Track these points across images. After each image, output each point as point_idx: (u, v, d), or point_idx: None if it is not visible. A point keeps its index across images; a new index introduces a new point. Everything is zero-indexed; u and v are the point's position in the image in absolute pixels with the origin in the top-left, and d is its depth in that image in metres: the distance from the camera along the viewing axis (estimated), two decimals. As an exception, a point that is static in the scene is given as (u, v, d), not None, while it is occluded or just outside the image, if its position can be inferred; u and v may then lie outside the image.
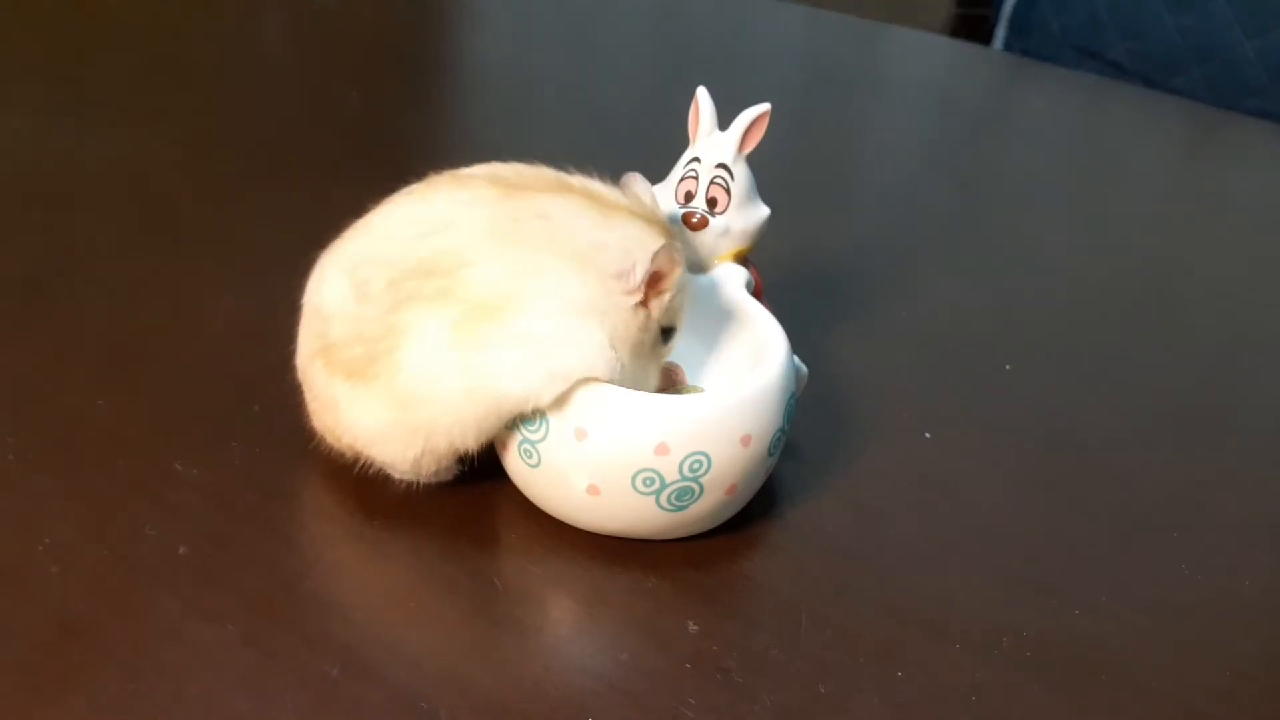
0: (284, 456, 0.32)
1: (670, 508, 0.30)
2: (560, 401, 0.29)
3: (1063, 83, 0.76)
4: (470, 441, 0.29)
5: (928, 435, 0.37)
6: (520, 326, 0.28)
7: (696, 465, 0.29)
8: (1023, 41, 1.04)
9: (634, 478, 0.29)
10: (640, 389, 0.29)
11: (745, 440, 0.29)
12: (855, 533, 0.33)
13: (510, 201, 0.29)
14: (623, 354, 0.29)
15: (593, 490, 0.29)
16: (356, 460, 0.31)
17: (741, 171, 0.34)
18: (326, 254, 0.30)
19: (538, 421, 0.29)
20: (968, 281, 0.47)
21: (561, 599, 0.30)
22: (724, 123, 0.34)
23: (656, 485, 0.29)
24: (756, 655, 0.28)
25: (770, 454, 0.31)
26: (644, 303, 0.29)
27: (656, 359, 0.31)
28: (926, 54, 0.78)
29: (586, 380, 0.29)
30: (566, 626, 0.29)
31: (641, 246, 0.29)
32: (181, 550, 0.29)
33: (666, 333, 0.31)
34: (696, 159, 0.34)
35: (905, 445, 0.36)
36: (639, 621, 0.29)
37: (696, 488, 0.29)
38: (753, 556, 0.31)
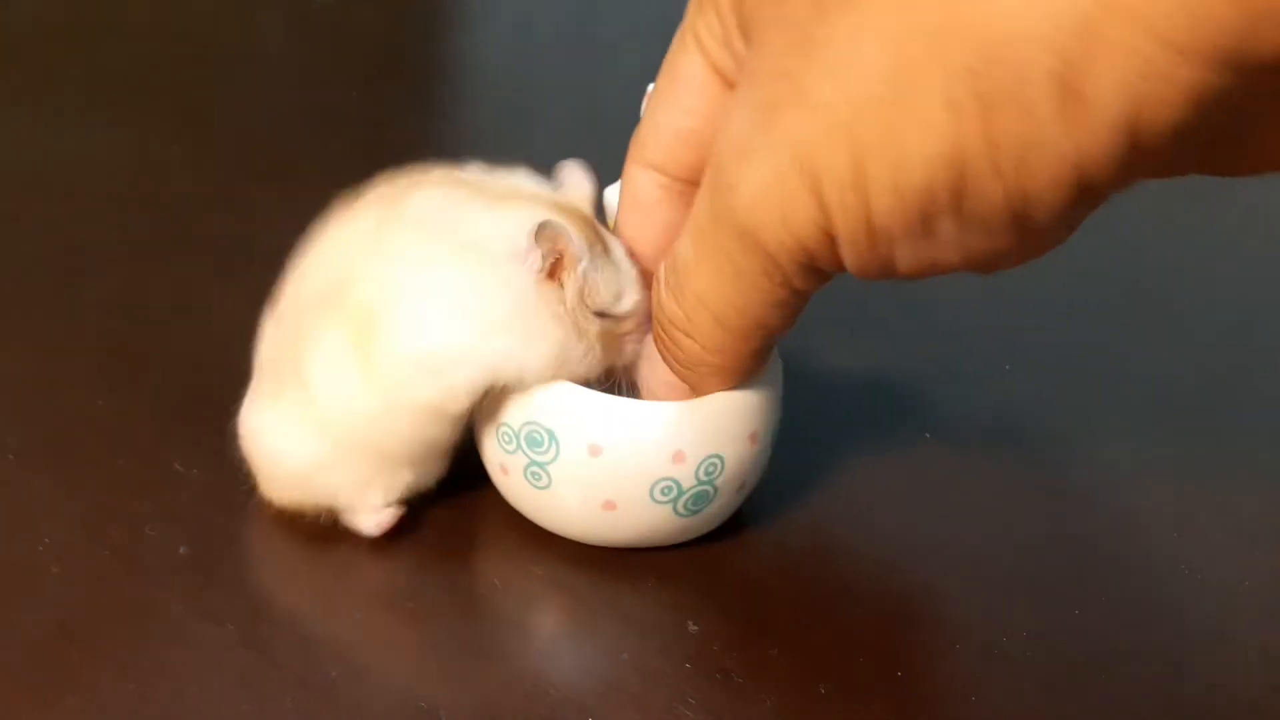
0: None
1: (686, 513, 0.29)
2: (568, 419, 0.28)
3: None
4: (419, 452, 0.29)
5: (928, 435, 0.37)
6: (419, 340, 0.27)
7: (711, 468, 0.29)
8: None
9: (652, 489, 0.28)
10: (575, 364, 0.28)
11: (753, 438, 0.29)
12: (855, 532, 0.33)
13: (389, 211, 0.28)
14: (536, 338, 0.28)
15: (609, 506, 0.29)
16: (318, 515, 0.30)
17: None
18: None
19: (546, 442, 0.28)
20: (968, 281, 0.47)
21: (562, 599, 0.30)
22: None
23: (674, 493, 0.29)
24: (757, 655, 0.28)
25: (770, 449, 0.31)
26: (555, 281, 0.28)
27: (595, 338, 0.29)
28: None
29: (522, 378, 0.28)
30: (567, 626, 0.29)
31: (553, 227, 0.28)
32: (181, 550, 0.29)
33: (602, 315, 0.29)
34: None
35: (905, 445, 0.36)
36: (639, 621, 0.29)
37: (711, 490, 0.29)
38: (753, 556, 0.31)
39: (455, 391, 0.28)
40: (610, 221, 0.32)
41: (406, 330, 0.27)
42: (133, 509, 0.30)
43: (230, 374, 0.36)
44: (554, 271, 0.28)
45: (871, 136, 0.20)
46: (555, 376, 0.28)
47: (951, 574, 0.31)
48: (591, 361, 0.29)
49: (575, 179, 0.31)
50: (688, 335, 0.27)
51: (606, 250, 0.29)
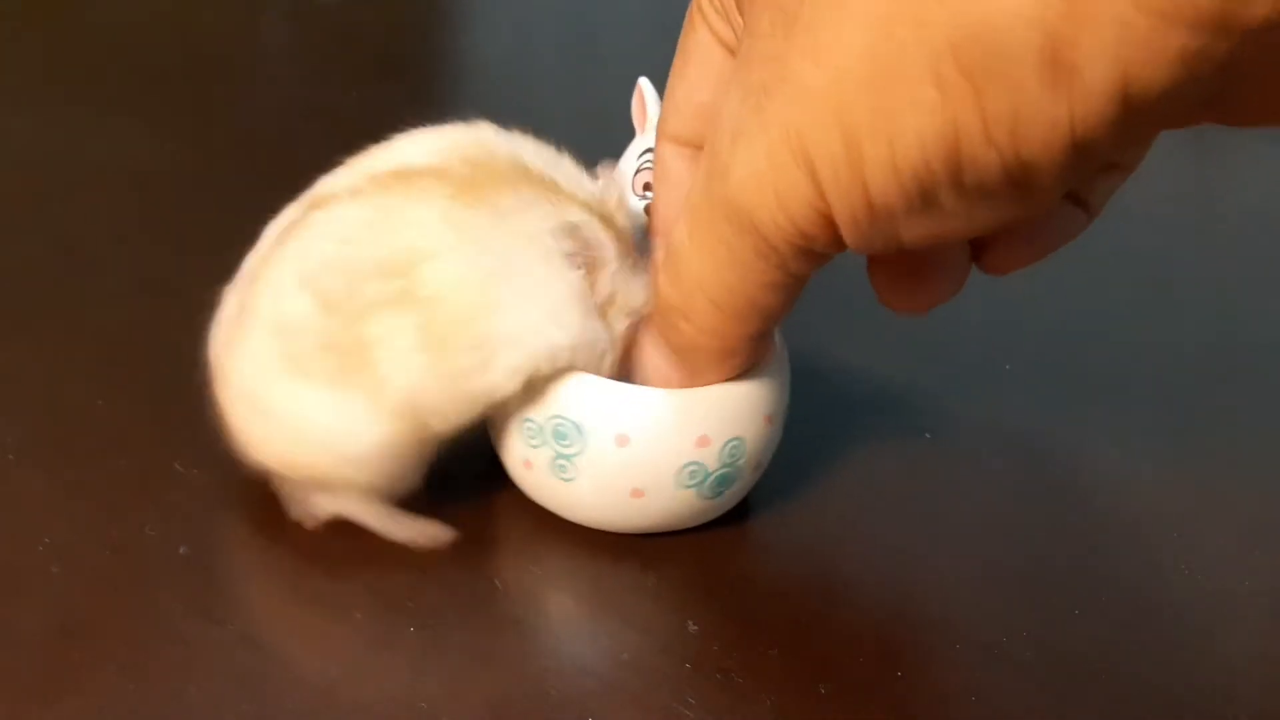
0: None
1: (711, 495, 0.30)
2: (595, 411, 0.29)
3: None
4: (449, 428, 0.29)
5: (928, 435, 0.37)
6: (482, 324, 0.28)
7: (735, 450, 0.29)
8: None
9: (679, 474, 0.29)
10: (601, 367, 0.29)
11: (769, 419, 0.30)
12: (855, 532, 0.33)
13: (463, 197, 0.28)
14: (577, 334, 0.29)
15: (637, 494, 0.29)
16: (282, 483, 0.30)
17: None
18: (269, 263, 0.29)
19: (573, 435, 0.29)
20: (968, 281, 0.47)
21: (561, 599, 0.30)
22: None
23: (700, 477, 0.29)
24: (757, 655, 0.28)
25: (782, 429, 0.31)
26: (590, 277, 0.29)
27: (612, 335, 0.30)
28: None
29: (558, 368, 0.29)
30: (566, 627, 0.29)
31: (590, 228, 0.29)
32: (181, 550, 0.29)
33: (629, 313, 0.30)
34: (650, 150, 0.34)
35: (905, 445, 0.36)
36: (639, 621, 0.29)
37: (734, 472, 0.30)
38: (753, 556, 0.31)
39: (509, 386, 0.28)
40: (622, 192, 0.32)
41: (480, 324, 0.28)
42: (133, 509, 0.30)
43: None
44: (590, 270, 0.29)
45: (862, 116, 0.20)
46: (584, 368, 0.29)
47: (951, 574, 0.31)
48: (613, 359, 0.30)
49: (610, 183, 0.31)
50: (685, 319, 0.27)
51: (635, 258, 0.30)
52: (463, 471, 0.32)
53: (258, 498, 0.31)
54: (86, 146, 0.51)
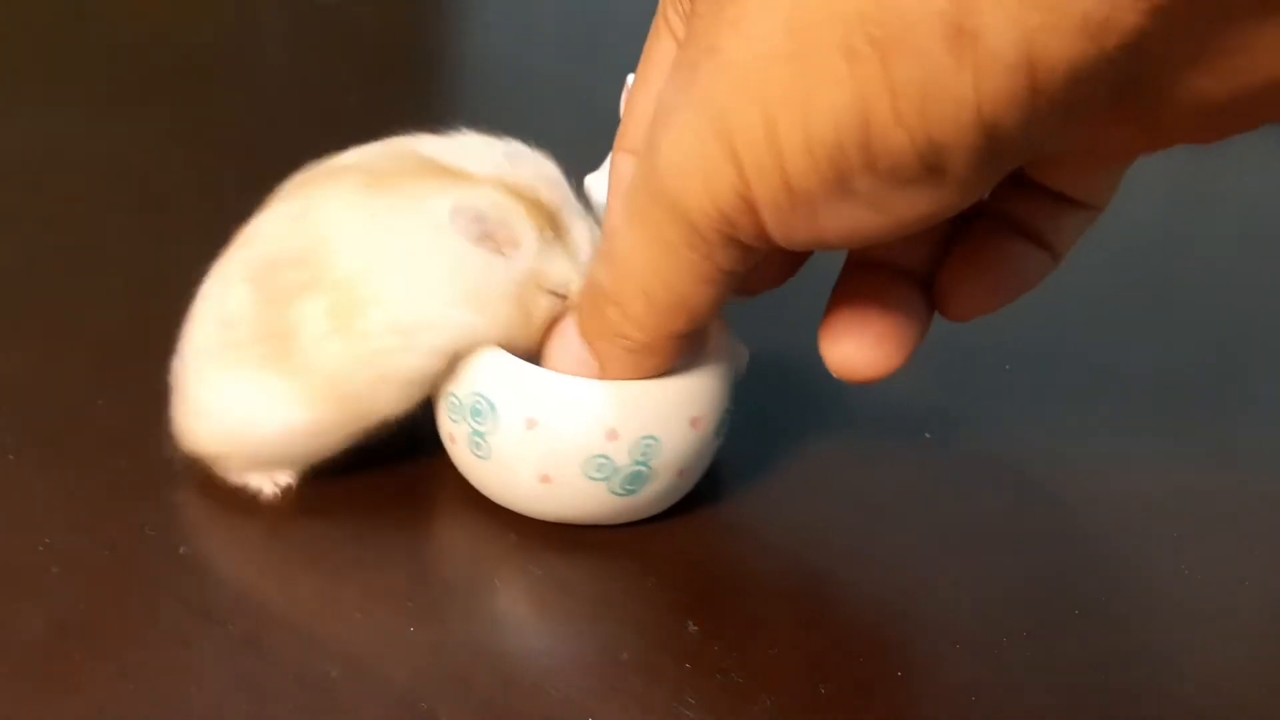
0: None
1: (623, 492, 0.30)
2: (508, 392, 0.29)
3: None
4: (389, 413, 0.30)
5: (928, 435, 0.37)
6: (395, 308, 0.28)
7: (647, 449, 0.29)
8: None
9: (585, 465, 0.29)
10: (519, 345, 0.30)
11: (694, 422, 0.29)
12: (855, 532, 0.33)
13: (373, 187, 0.29)
14: (490, 315, 0.29)
15: (545, 479, 0.29)
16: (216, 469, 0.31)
17: None
18: (218, 266, 0.31)
19: (488, 413, 0.29)
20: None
21: (561, 599, 0.30)
22: None
23: (608, 471, 0.29)
24: (756, 655, 0.28)
25: (716, 435, 0.31)
26: (506, 256, 0.29)
27: (533, 313, 0.30)
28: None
29: (474, 345, 0.29)
30: (566, 627, 0.29)
31: (500, 208, 0.29)
32: (181, 550, 0.29)
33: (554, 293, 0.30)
34: None
35: (905, 445, 0.36)
36: (639, 621, 0.29)
37: (647, 471, 0.29)
38: (752, 556, 0.31)
39: (428, 368, 0.29)
40: (597, 209, 0.32)
41: (383, 301, 0.28)
42: (133, 509, 0.30)
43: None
44: (506, 249, 0.29)
45: (779, 91, 0.19)
46: (508, 348, 0.29)
47: (951, 574, 0.31)
48: (532, 336, 0.30)
49: (531, 161, 0.31)
50: (613, 306, 0.26)
51: (560, 234, 0.30)
52: (460, 473, 0.32)
53: (257, 498, 0.31)
54: (86, 146, 0.51)
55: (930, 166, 0.19)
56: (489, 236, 0.29)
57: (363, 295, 0.28)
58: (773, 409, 0.36)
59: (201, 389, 0.30)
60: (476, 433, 0.29)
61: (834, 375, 0.27)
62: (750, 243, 0.23)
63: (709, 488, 0.33)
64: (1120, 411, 0.40)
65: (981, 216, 0.26)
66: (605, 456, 0.29)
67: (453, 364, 0.29)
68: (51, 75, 0.59)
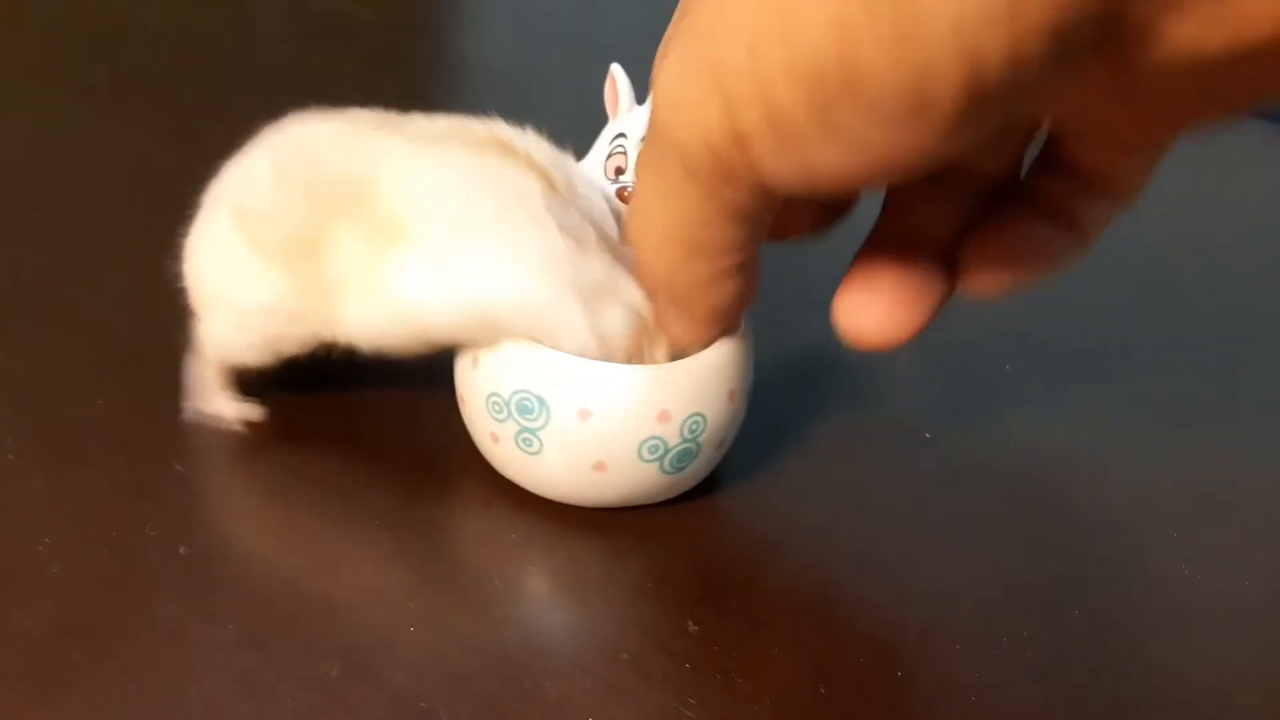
0: (284, 456, 0.32)
1: (672, 470, 0.30)
2: (559, 386, 0.29)
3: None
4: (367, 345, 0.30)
5: (928, 435, 0.37)
6: (433, 250, 0.28)
7: (695, 426, 0.30)
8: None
9: (640, 448, 0.29)
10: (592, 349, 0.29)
11: (731, 396, 0.30)
12: (855, 532, 0.33)
13: (428, 143, 0.29)
14: (559, 294, 0.29)
15: (599, 467, 0.30)
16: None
17: None
18: (240, 157, 0.32)
19: (537, 409, 0.29)
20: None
21: (562, 599, 0.30)
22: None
23: (661, 451, 0.30)
24: (757, 655, 0.28)
25: (745, 407, 0.32)
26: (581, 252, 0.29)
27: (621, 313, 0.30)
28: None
29: (518, 326, 0.29)
30: (567, 627, 0.29)
31: (605, 217, 0.29)
32: (181, 550, 0.29)
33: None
34: (622, 135, 0.35)
35: (905, 445, 0.36)
36: (639, 621, 0.29)
37: (695, 448, 0.30)
38: (753, 556, 0.31)
39: (464, 327, 0.29)
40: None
41: (431, 249, 0.28)
42: (133, 509, 0.30)
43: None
44: (581, 247, 0.29)
45: (762, 15, 0.19)
46: (549, 340, 0.29)
47: (951, 574, 0.31)
48: (611, 352, 0.30)
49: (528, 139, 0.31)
50: (643, 262, 0.26)
51: (569, 198, 0.29)
52: (461, 473, 0.32)
53: (258, 498, 0.31)
54: (85, 146, 0.51)
55: (913, 102, 0.19)
56: (575, 232, 0.28)
57: (404, 232, 0.28)
58: (773, 410, 0.36)
59: (222, 280, 0.31)
60: (526, 430, 0.30)
61: (845, 341, 0.27)
62: (746, 183, 0.22)
63: (709, 488, 0.33)
64: (1120, 412, 0.40)
65: (1011, 196, 0.26)
66: (658, 438, 0.29)
67: (490, 366, 0.29)
68: (51, 74, 0.59)
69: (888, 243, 0.27)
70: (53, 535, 0.29)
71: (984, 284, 0.26)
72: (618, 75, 0.35)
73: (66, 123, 0.53)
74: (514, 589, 0.30)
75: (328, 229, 0.29)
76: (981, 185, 0.23)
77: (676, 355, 0.29)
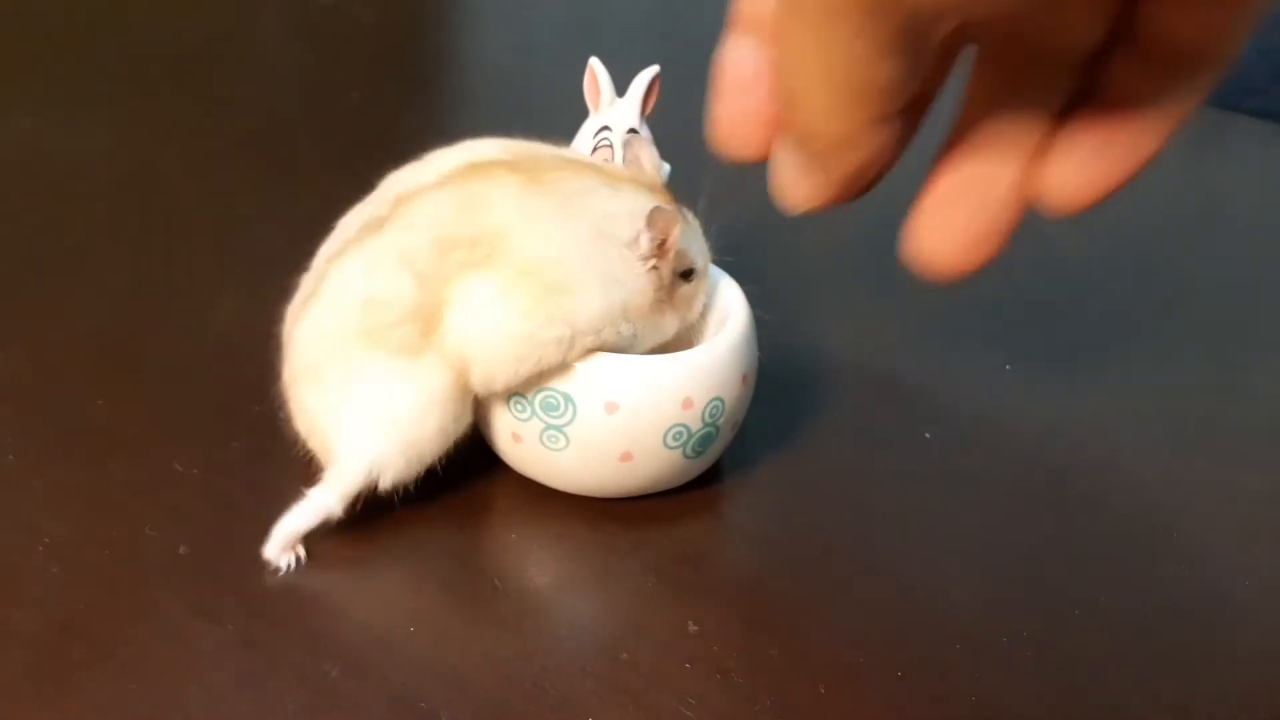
0: (284, 456, 0.32)
1: (694, 455, 0.31)
2: (584, 382, 0.30)
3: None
4: (492, 386, 0.30)
5: (928, 435, 0.37)
6: (567, 301, 0.29)
7: (715, 410, 0.31)
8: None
9: (665, 436, 0.30)
10: (654, 340, 0.31)
11: (744, 379, 0.31)
12: (855, 532, 0.33)
13: (535, 183, 0.30)
14: (636, 320, 0.31)
15: (625, 458, 0.30)
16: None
17: (646, 134, 0.36)
18: (357, 250, 0.30)
19: (563, 406, 0.30)
20: (967, 281, 0.47)
21: (562, 599, 0.30)
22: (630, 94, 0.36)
23: (684, 438, 0.30)
24: (757, 655, 0.28)
25: (753, 390, 0.33)
26: (655, 265, 0.31)
27: (675, 308, 0.32)
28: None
29: (597, 351, 0.30)
30: (566, 627, 0.29)
31: (644, 214, 0.30)
32: (181, 550, 0.29)
33: (687, 274, 0.32)
34: (606, 127, 0.35)
35: (905, 445, 0.36)
36: (639, 621, 0.29)
37: (715, 431, 0.31)
38: (754, 556, 0.31)
39: (566, 360, 0.30)
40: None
41: (564, 301, 0.29)
42: (133, 509, 0.30)
43: (230, 374, 0.36)
44: (658, 253, 0.30)
45: None
46: (647, 350, 0.31)
47: (951, 574, 0.31)
48: (671, 327, 0.32)
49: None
50: (787, 109, 0.25)
51: (686, 218, 0.32)
52: (460, 473, 0.32)
53: (256, 498, 0.31)
54: (86, 147, 0.51)
55: None
56: (653, 244, 0.30)
57: (550, 282, 0.29)
58: (774, 411, 0.36)
59: (341, 375, 0.30)
60: (551, 427, 0.30)
61: (919, 271, 0.26)
62: (892, 9, 0.21)
63: (710, 488, 0.33)
64: (1120, 412, 0.40)
65: (1089, 91, 0.25)
66: (682, 425, 0.30)
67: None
68: (51, 75, 0.59)
69: (958, 163, 0.26)
70: (53, 535, 0.29)
71: (1069, 190, 0.25)
72: (597, 69, 0.35)
73: (66, 123, 0.53)
74: (514, 589, 0.30)
75: (451, 288, 0.29)
76: (1066, 69, 0.21)
77: (803, 207, 0.29)
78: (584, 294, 0.29)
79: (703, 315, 0.33)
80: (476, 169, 0.30)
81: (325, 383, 0.30)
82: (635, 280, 0.30)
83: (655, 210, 0.30)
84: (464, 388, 0.30)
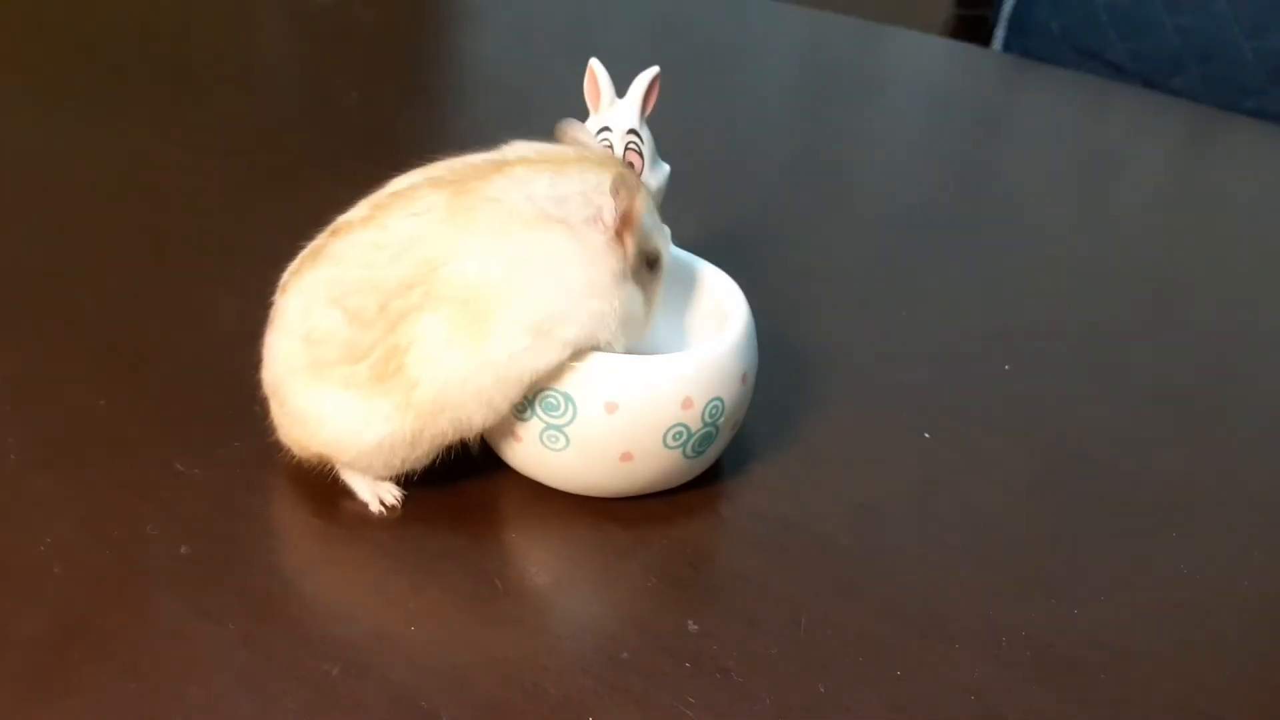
0: (284, 456, 0.32)
1: (693, 455, 0.31)
2: (584, 382, 0.29)
3: (1062, 83, 0.76)
4: (484, 423, 0.30)
5: (927, 435, 0.37)
6: (515, 311, 0.29)
7: (714, 410, 0.31)
8: (1022, 42, 1.04)
9: (665, 436, 0.30)
10: (637, 323, 0.31)
11: (744, 379, 0.32)
12: (855, 532, 0.33)
13: (460, 194, 0.29)
14: (613, 300, 0.30)
15: (626, 457, 0.30)
16: (324, 467, 0.31)
17: (646, 134, 0.35)
18: (297, 282, 0.30)
19: (563, 406, 0.30)
20: (967, 282, 0.47)
21: (562, 599, 0.30)
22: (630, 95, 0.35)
23: (684, 438, 0.31)
24: (756, 655, 0.28)
25: (752, 390, 0.33)
26: (620, 239, 0.30)
27: (647, 291, 0.31)
28: (926, 55, 0.78)
29: (593, 346, 0.30)
30: (567, 627, 0.29)
31: (600, 189, 0.30)
32: (182, 550, 0.29)
33: (653, 263, 0.31)
34: (606, 128, 0.35)
35: (905, 445, 0.36)
36: (639, 621, 0.29)
37: (714, 431, 0.31)
38: (753, 556, 0.31)
39: (555, 362, 0.29)
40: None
41: (513, 311, 0.29)
42: (133, 509, 0.31)
43: (230, 374, 0.36)
44: (620, 229, 0.30)
45: None
46: (623, 336, 0.30)
47: (951, 574, 0.31)
48: (649, 312, 0.32)
49: (579, 135, 0.32)
50: None
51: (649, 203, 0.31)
52: (460, 474, 0.32)
53: (256, 498, 0.31)
54: (87, 149, 0.51)
55: None
56: (608, 216, 0.30)
57: (490, 301, 0.29)
58: (773, 410, 0.36)
59: (296, 400, 0.30)
60: (551, 427, 0.30)
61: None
62: None
63: (710, 488, 0.33)
64: (1120, 412, 0.40)
65: None
66: (682, 425, 0.30)
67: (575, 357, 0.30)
68: (52, 76, 0.59)
69: None
70: (54, 535, 0.29)
71: None
72: (597, 70, 0.35)
73: (66, 123, 0.53)
74: (514, 589, 0.30)
75: (401, 333, 0.29)
76: None
77: None
78: (532, 293, 0.29)
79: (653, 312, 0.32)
80: (397, 196, 0.30)
81: (286, 404, 0.31)
82: (593, 256, 0.29)
83: (617, 177, 0.29)
84: (421, 434, 0.30)
